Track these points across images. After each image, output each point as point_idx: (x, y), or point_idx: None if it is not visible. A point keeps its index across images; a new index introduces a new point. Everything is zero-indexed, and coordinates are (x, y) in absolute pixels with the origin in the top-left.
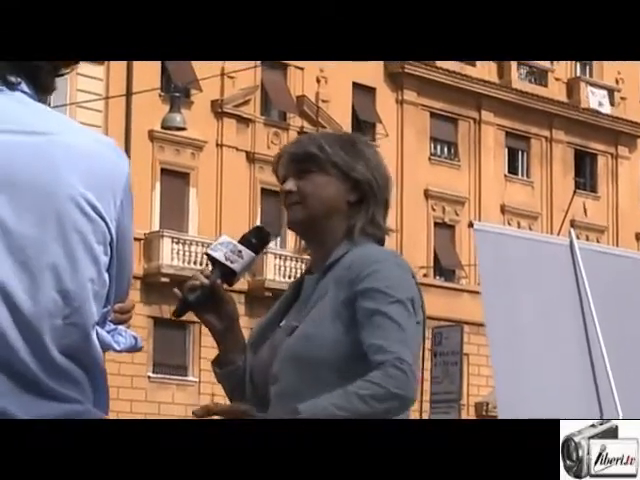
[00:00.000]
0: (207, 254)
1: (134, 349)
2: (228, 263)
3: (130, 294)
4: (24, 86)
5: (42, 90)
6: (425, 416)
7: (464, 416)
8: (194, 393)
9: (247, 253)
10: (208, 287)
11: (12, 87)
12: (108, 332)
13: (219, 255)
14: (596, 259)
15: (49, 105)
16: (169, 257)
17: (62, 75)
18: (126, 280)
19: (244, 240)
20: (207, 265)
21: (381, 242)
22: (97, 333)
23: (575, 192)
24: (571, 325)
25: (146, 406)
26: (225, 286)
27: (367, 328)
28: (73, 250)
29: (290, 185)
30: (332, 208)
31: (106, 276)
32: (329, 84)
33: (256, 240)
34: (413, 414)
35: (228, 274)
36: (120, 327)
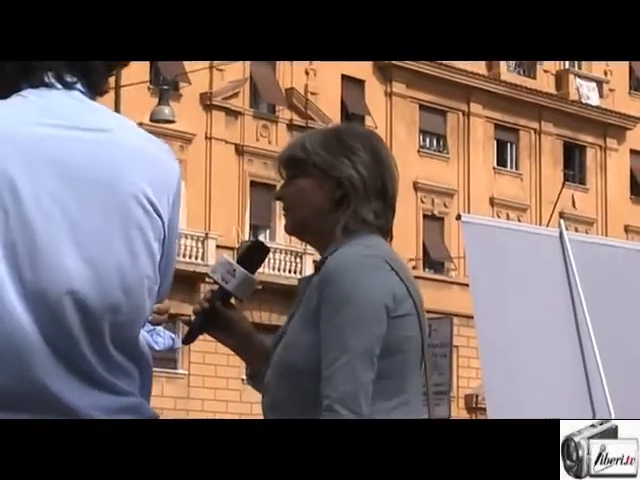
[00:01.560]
0: (209, 275)
1: (172, 349)
2: (223, 284)
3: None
4: (80, 85)
5: (95, 90)
6: None
7: (454, 408)
8: (184, 386)
9: (240, 272)
10: (209, 310)
11: (69, 86)
12: (148, 332)
13: (217, 277)
14: (586, 250)
15: None
16: None
17: (113, 75)
18: (170, 279)
19: (240, 257)
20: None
21: (383, 233)
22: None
23: (564, 184)
24: (561, 317)
25: None
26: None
27: (322, 347)
28: (134, 246)
29: (277, 193)
30: (319, 210)
31: (158, 274)
32: (318, 77)
33: (252, 257)
34: None
35: (225, 295)
36: (158, 327)
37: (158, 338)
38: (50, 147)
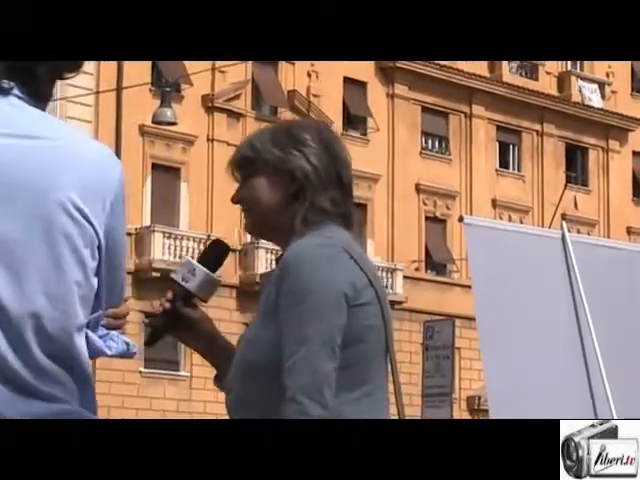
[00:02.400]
0: (170, 277)
1: (126, 355)
2: (184, 283)
3: (128, 297)
4: (17, 90)
5: (37, 96)
6: (417, 410)
7: (456, 410)
8: (186, 388)
9: (200, 271)
10: (170, 311)
11: (5, 91)
12: (100, 337)
13: (178, 277)
14: (588, 252)
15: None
16: (160, 252)
17: (64, 79)
18: (118, 285)
19: (201, 257)
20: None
21: (345, 221)
22: (88, 337)
23: (566, 186)
24: (563, 318)
25: (138, 401)
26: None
27: (283, 339)
28: (59, 253)
29: (234, 196)
30: (276, 206)
31: (94, 280)
32: (320, 79)
33: (212, 256)
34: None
35: (186, 294)
36: (112, 332)
37: (111, 343)
38: None
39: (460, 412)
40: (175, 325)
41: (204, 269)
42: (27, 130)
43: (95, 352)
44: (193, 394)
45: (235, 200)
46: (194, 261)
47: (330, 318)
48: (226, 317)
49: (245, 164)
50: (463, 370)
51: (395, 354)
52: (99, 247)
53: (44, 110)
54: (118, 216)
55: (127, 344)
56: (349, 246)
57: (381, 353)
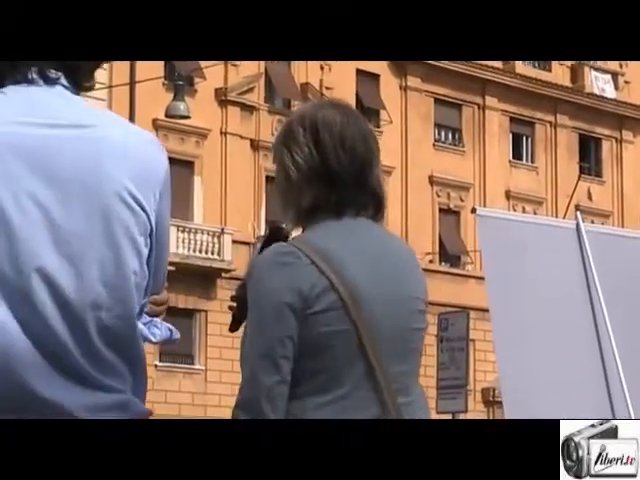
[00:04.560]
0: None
1: (170, 341)
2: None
3: (167, 284)
4: (64, 80)
5: (80, 86)
6: (432, 402)
7: (471, 402)
8: (201, 381)
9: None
10: (241, 297)
11: (52, 81)
12: (144, 324)
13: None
14: (603, 241)
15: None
16: (174, 245)
17: (100, 67)
18: (163, 271)
19: (262, 245)
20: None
21: (339, 213)
22: None
23: (580, 177)
24: (578, 308)
25: (153, 394)
26: None
27: None
28: (117, 243)
29: None
30: (278, 197)
31: (146, 268)
32: (333, 71)
33: (268, 242)
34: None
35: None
36: (156, 319)
37: (155, 330)
38: (29, 146)
39: (475, 404)
40: (246, 311)
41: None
42: (75, 120)
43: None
44: (208, 387)
45: None
46: (257, 249)
47: (270, 330)
48: None
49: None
50: (478, 362)
51: (379, 352)
52: (151, 234)
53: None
54: (165, 204)
55: (170, 330)
56: (316, 247)
57: (355, 355)
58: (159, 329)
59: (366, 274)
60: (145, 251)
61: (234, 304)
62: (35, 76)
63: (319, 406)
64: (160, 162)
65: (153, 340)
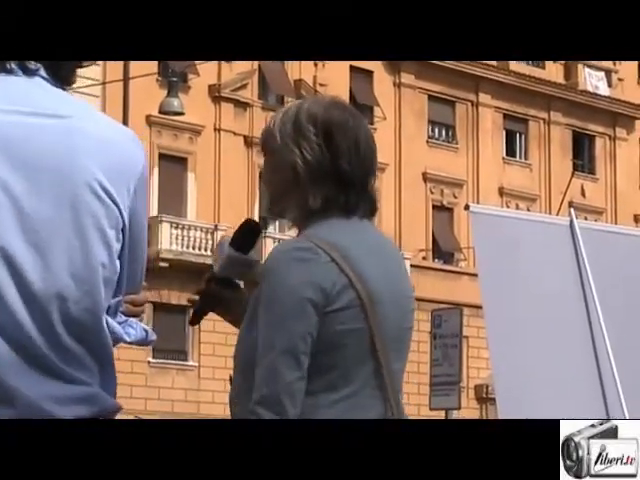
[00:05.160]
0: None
1: (145, 342)
2: (214, 264)
3: (146, 284)
4: (43, 72)
5: (62, 81)
6: (425, 399)
7: (464, 398)
8: (194, 377)
9: (225, 253)
10: (206, 292)
11: (31, 73)
12: (119, 323)
13: (214, 258)
14: (597, 238)
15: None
16: (168, 242)
17: (82, 67)
18: (139, 270)
19: (232, 238)
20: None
21: (348, 214)
22: (107, 323)
23: (573, 174)
24: (571, 305)
25: (146, 391)
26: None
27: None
28: (86, 233)
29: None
30: (274, 193)
31: (117, 263)
32: (327, 68)
33: (242, 235)
34: (415, 397)
35: (217, 276)
36: (131, 319)
37: (130, 330)
38: (3, 132)
39: (468, 401)
40: (212, 305)
41: (227, 250)
42: (51, 109)
43: (114, 338)
44: (201, 384)
45: (260, 174)
46: (226, 243)
47: (293, 326)
48: None
49: (262, 142)
50: (471, 359)
51: (406, 351)
52: (123, 229)
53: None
54: (141, 200)
55: (146, 331)
56: (333, 245)
57: (367, 353)
58: (134, 329)
59: (377, 273)
60: (116, 245)
61: (195, 297)
62: (14, 66)
63: (331, 403)
64: (136, 157)
65: (127, 340)
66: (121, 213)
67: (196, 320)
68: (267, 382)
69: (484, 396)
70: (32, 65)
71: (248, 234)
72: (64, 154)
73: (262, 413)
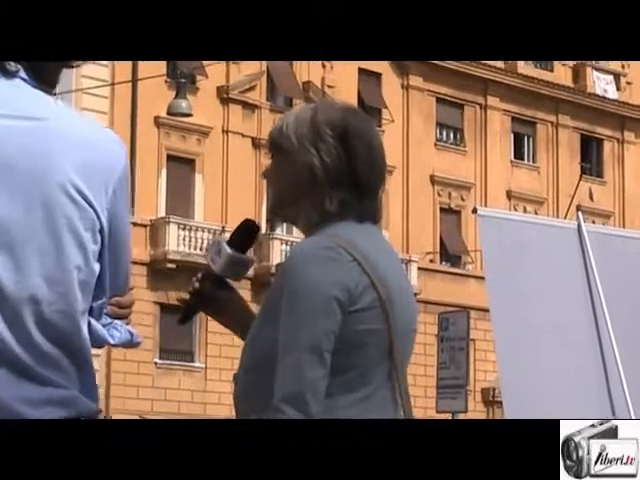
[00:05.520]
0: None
1: (130, 344)
2: (211, 264)
3: (134, 286)
4: (23, 73)
5: (43, 81)
6: (432, 402)
7: (471, 401)
8: (201, 379)
9: (224, 252)
10: (199, 291)
11: (10, 74)
12: (104, 325)
13: (208, 258)
14: (604, 242)
15: (55, 91)
16: (175, 243)
17: (71, 67)
18: (122, 272)
19: (230, 237)
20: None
21: (363, 219)
22: (90, 325)
23: (581, 177)
24: (579, 309)
25: (152, 392)
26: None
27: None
28: (59, 236)
29: (263, 171)
30: (286, 195)
31: (96, 265)
32: (335, 70)
33: (241, 235)
34: (422, 400)
35: (214, 275)
36: (116, 321)
37: (114, 332)
38: None
39: (475, 404)
40: (205, 305)
41: (228, 249)
42: (27, 112)
43: (98, 340)
44: (208, 385)
45: (264, 174)
46: (223, 241)
47: (318, 323)
48: None
49: (271, 144)
50: (478, 362)
51: (409, 355)
52: (101, 231)
53: (50, 94)
54: (121, 201)
55: (131, 334)
56: (354, 246)
57: (384, 354)
58: (119, 331)
59: (391, 276)
60: (92, 247)
61: (186, 297)
62: None
63: (350, 404)
64: (115, 158)
65: (111, 342)
66: (97, 215)
67: (186, 319)
68: (292, 379)
69: (491, 399)
70: (12, 67)
71: (247, 234)
72: (39, 156)
73: (286, 410)
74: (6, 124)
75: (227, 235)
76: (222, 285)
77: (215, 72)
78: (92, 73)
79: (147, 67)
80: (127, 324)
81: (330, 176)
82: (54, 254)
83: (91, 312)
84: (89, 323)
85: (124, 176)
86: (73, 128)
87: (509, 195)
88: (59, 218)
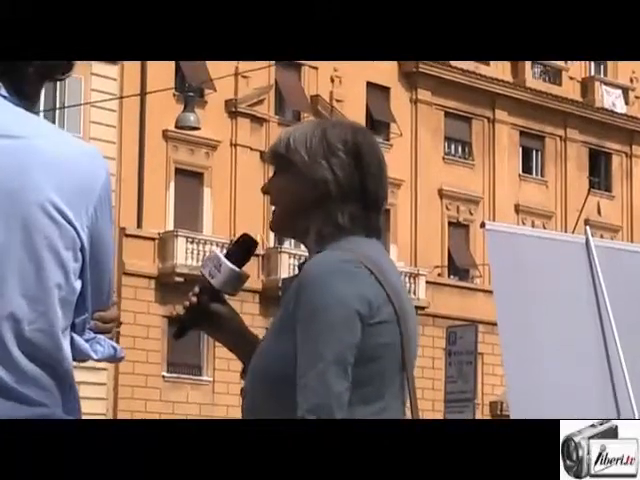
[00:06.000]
0: (199, 271)
1: (113, 359)
2: (210, 279)
3: (118, 301)
4: (3, 90)
5: (24, 96)
6: (440, 415)
7: (478, 415)
8: (208, 392)
9: (225, 266)
10: (196, 305)
11: None
12: (87, 340)
13: (205, 271)
14: (612, 256)
15: (63, 105)
16: (183, 257)
17: (56, 80)
18: (105, 288)
19: (228, 252)
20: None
21: (370, 234)
22: (73, 340)
23: (589, 191)
24: (587, 324)
25: (160, 405)
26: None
27: (298, 354)
28: (38, 255)
29: (263, 186)
30: (295, 209)
31: (77, 283)
32: (343, 84)
33: (240, 250)
34: (430, 414)
35: (213, 290)
36: (100, 336)
37: (97, 347)
38: None
39: (482, 417)
40: (201, 319)
41: (229, 264)
42: (6, 130)
43: (80, 355)
44: (216, 399)
45: (263, 190)
46: (221, 255)
47: (343, 337)
48: (249, 322)
49: (276, 158)
50: (486, 375)
51: (413, 369)
52: (82, 249)
53: (31, 109)
54: (103, 219)
55: (114, 348)
56: (370, 260)
57: (398, 368)
58: (102, 346)
59: (400, 290)
60: (72, 265)
61: (181, 312)
62: None
63: (366, 416)
64: (96, 176)
65: (94, 357)
66: (78, 233)
67: (182, 334)
68: (317, 392)
69: (499, 413)
70: None
71: (246, 249)
72: (16, 175)
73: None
74: None
75: (223, 250)
76: (219, 299)
77: (223, 85)
78: (101, 87)
79: (155, 80)
80: (110, 338)
81: (343, 190)
82: (34, 273)
83: (74, 327)
84: (72, 338)
85: (105, 193)
86: (52, 146)
87: (517, 209)
88: (38, 237)
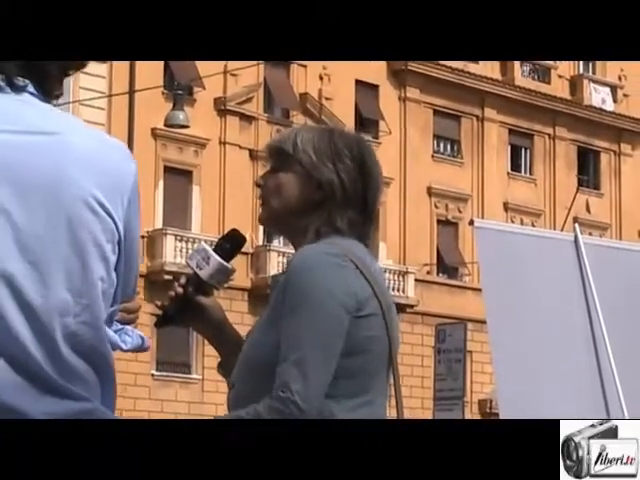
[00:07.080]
0: (186, 262)
1: (141, 349)
2: (197, 270)
3: (139, 291)
4: (31, 87)
5: (49, 94)
6: (429, 413)
7: (467, 413)
8: (198, 391)
9: (214, 259)
10: (182, 297)
11: (19, 89)
12: (115, 332)
13: (192, 263)
14: (601, 254)
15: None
16: (172, 255)
17: (68, 76)
18: (133, 279)
19: (217, 245)
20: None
21: (359, 240)
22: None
23: (578, 189)
24: (576, 321)
25: (150, 404)
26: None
27: (281, 343)
28: (83, 249)
29: (258, 180)
30: (294, 208)
31: (114, 275)
32: (332, 81)
33: (228, 245)
34: (419, 412)
35: (199, 282)
36: (127, 327)
37: (126, 337)
38: None
39: (472, 415)
40: (186, 310)
41: (218, 258)
42: (41, 127)
43: (111, 347)
44: (205, 397)
45: (259, 184)
46: (209, 249)
47: (327, 326)
48: (238, 320)
49: (280, 155)
50: (475, 373)
51: (397, 364)
52: (119, 242)
53: (53, 105)
54: (134, 211)
55: (142, 338)
56: (355, 255)
57: (384, 362)
58: (130, 337)
59: (386, 291)
60: (113, 258)
61: (160, 302)
62: (2, 83)
63: (352, 408)
64: (128, 169)
65: (124, 348)
66: (117, 226)
67: (164, 324)
68: (306, 382)
69: (488, 411)
70: (20, 82)
71: (234, 244)
72: (55, 171)
73: (303, 409)
74: (19, 140)
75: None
76: (204, 291)
77: (212, 84)
78: (89, 85)
79: (144, 78)
80: (135, 328)
81: (346, 195)
82: (79, 267)
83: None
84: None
85: (136, 186)
86: (85, 141)
87: (506, 207)
88: (83, 233)
